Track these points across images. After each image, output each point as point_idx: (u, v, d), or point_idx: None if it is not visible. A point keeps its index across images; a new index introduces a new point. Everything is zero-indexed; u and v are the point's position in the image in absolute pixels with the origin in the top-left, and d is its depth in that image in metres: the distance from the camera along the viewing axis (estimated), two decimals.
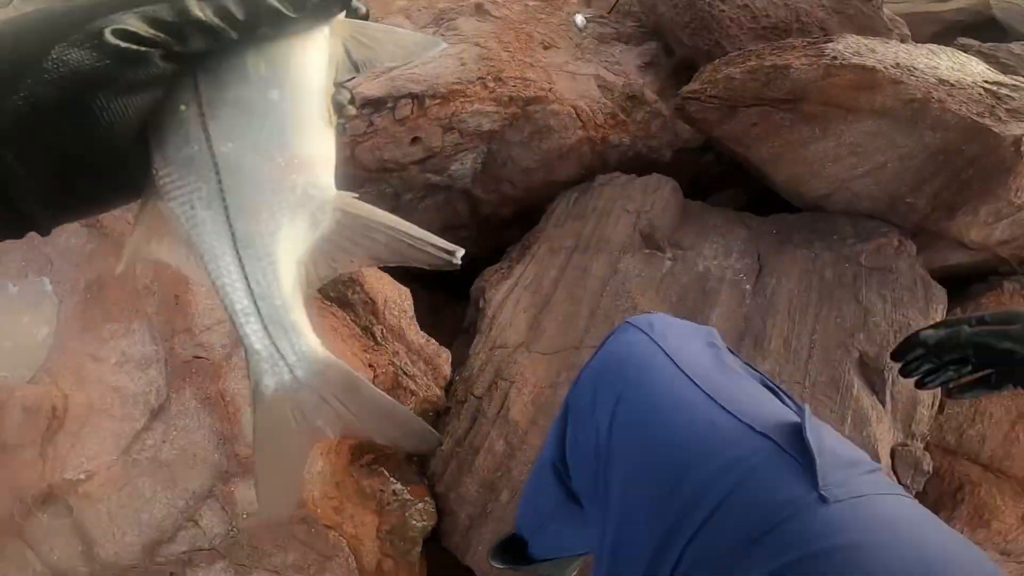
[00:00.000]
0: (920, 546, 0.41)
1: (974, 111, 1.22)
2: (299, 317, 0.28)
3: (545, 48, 1.77)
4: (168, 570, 0.99)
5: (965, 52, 1.71)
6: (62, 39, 0.22)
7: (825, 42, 1.42)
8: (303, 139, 0.27)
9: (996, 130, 1.20)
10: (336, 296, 1.24)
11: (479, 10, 1.79)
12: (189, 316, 1.10)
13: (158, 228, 0.27)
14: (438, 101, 1.37)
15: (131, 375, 1.05)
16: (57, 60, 0.22)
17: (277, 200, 0.27)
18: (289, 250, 0.27)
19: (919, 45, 1.48)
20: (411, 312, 1.30)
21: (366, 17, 0.30)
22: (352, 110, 0.30)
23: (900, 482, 1.12)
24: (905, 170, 1.33)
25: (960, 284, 1.42)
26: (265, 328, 0.27)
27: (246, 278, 0.27)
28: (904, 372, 0.60)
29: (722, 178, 1.90)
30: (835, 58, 1.31)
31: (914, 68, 1.27)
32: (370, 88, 1.40)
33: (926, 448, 1.18)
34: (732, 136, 1.48)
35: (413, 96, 1.38)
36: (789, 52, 1.45)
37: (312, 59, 0.27)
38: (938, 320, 0.84)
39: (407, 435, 0.32)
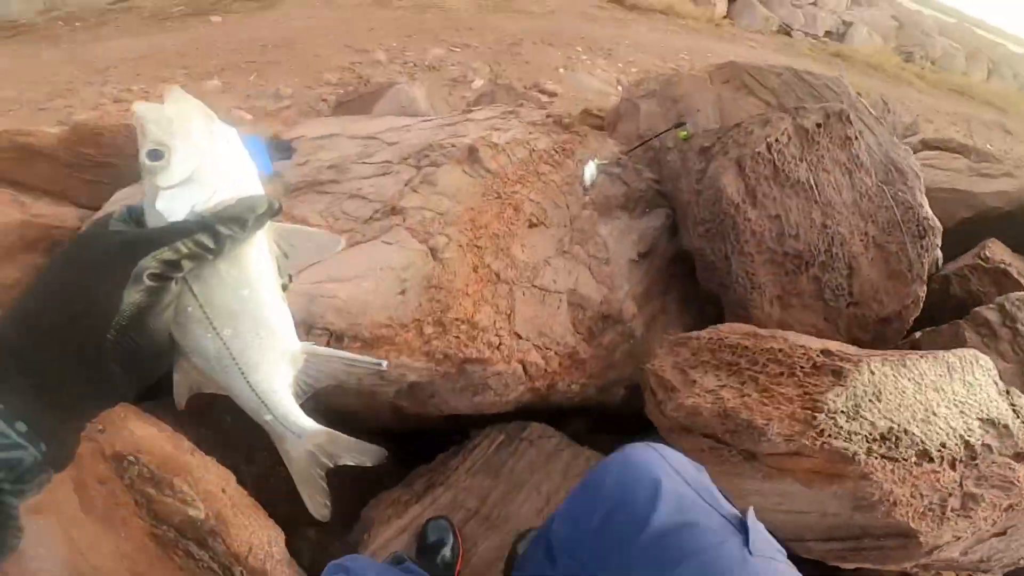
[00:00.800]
0: None
1: (919, 512, 1.05)
2: (296, 412, 0.45)
3: (531, 227, 1.47)
4: None
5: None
6: (120, 289, 0.34)
7: (829, 390, 1.17)
8: (272, 316, 0.42)
9: (922, 540, 1.05)
10: (195, 538, 1.21)
11: (471, 157, 1.43)
12: None
13: (194, 375, 0.42)
14: (358, 345, 1.16)
15: None
16: (128, 304, 0.34)
17: (268, 357, 0.42)
18: (282, 380, 0.43)
19: (939, 357, 1.22)
20: (281, 555, 1.28)
21: (280, 210, 0.41)
22: (291, 287, 0.44)
23: None
24: (822, 525, 1.21)
25: None
26: (278, 420, 0.44)
27: (263, 402, 0.43)
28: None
29: None
30: (820, 434, 1.10)
31: (899, 441, 1.07)
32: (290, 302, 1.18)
33: None
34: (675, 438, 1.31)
35: (330, 332, 1.16)
36: (777, 398, 1.21)
37: (262, 258, 0.41)
38: None
39: (367, 455, 0.49)
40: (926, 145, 3.94)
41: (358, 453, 0.49)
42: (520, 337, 1.34)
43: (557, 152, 1.64)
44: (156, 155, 0.38)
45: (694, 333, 1.35)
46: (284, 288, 0.44)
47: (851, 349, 1.31)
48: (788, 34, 10.02)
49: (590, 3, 7.78)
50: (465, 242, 1.24)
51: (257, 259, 0.41)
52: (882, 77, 8.76)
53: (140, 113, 0.38)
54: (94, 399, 0.37)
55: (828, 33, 10.85)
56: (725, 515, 0.70)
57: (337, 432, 0.47)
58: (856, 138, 1.49)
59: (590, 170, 1.74)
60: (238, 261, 0.40)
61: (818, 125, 1.45)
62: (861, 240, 1.44)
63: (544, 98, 4.61)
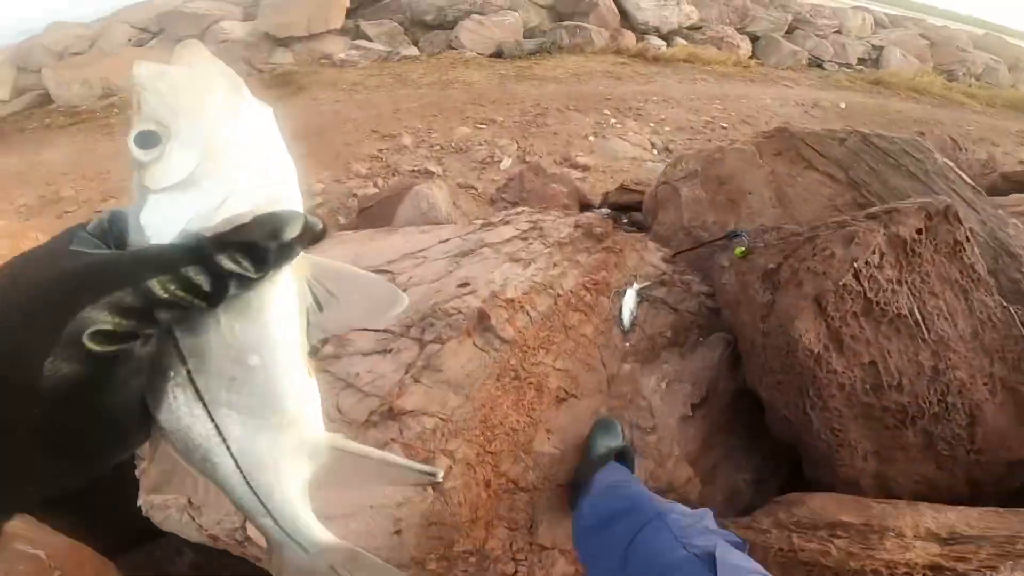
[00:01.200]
0: None
1: None
2: (310, 519, 0.34)
3: (559, 402, 1.20)
4: None
5: None
6: (45, 351, 0.22)
7: None
8: (289, 396, 0.30)
9: None
10: None
11: (482, 325, 1.20)
12: None
13: (173, 467, 0.30)
14: None
15: None
16: (51, 378, 0.22)
17: (279, 452, 0.31)
18: (294, 478, 0.32)
19: None
20: None
21: (324, 233, 0.28)
22: (324, 350, 0.45)
23: None
24: None
25: None
26: (282, 528, 0.33)
27: (264, 505, 0.32)
28: None
29: None
30: None
31: None
32: None
33: None
34: None
35: None
36: None
37: (285, 309, 0.28)
38: None
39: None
40: (1008, 180, 3.51)
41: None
42: (545, 548, 1.06)
43: (588, 290, 1.40)
44: (148, 140, 0.26)
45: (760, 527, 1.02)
46: (312, 354, 0.32)
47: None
48: (820, 67, 9.67)
49: (613, 61, 7.75)
50: (474, 456, 1.00)
51: (278, 310, 0.28)
52: (931, 101, 8.22)
53: (138, 77, 0.26)
54: None
55: (861, 60, 10.42)
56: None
57: (359, 549, 0.35)
58: (968, 240, 1.18)
59: (629, 305, 1.49)
60: (248, 311, 0.27)
61: (919, 232, 1.15)
62: (985, 384, 1.11)
63: (576, 174, 4.45)
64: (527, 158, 4.78)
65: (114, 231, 0.27)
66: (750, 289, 1.29)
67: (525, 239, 1.62)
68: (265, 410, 0.29)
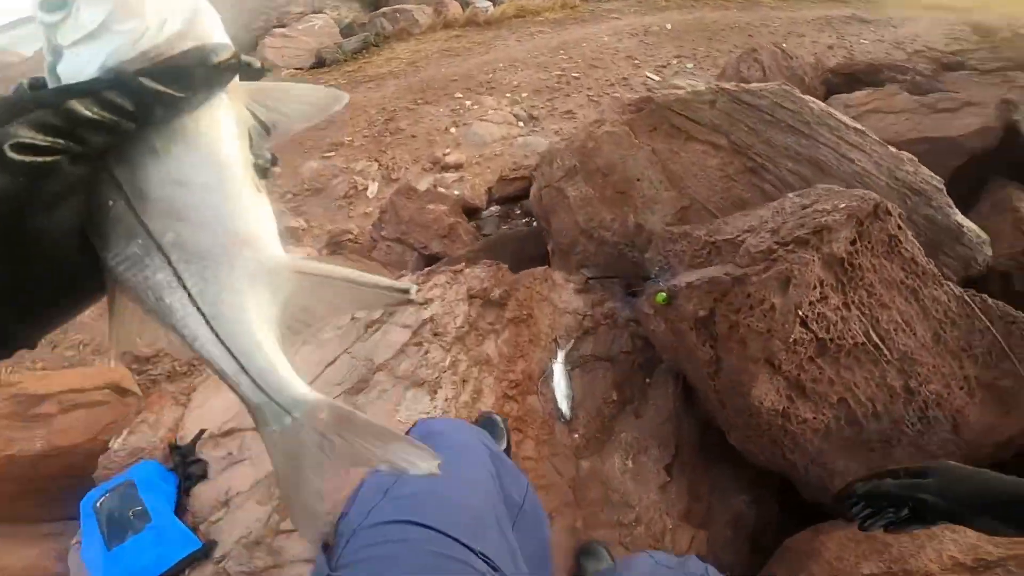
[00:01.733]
0: None
1: None
2: (285, 371, 0.29)
3: None
4: None
5: None
6: None
7: None
8: (238, 213, 0.28)
9: None
10: None
11: None
12: None
13: (133, 316, 0.28)
14: None
15: None
16: None
17: (234, 277, 0.28)
18: (260, 316, 0.29)
19: None
20: None
21: (261, 73, 0.30)
22: (277, 171, 0.31)
23: None
24: None
25: None
26: (257, 386, 0.29)
27: (228, 349, 0.28)
28: (847, 517, 0.67)
29: None
30: None
31: None
32: None
33: None
34: None
35: None
36: None
37: (220, 130, 0.28)
38: None
39: (402, 456, 0.31)
40: (839, 75, 3.69)
41: (385, 447, 0.29)
42: None
43: (511, 398, 1.17)
44: (53, 5, 0.25)
45: None
46: (263, 173, 0.30)
47: None
48: None
49: (446, 37, 7.32)
50: None
51: (217, 131, 0.27)
52: (736, 6, 8.52)
53: None
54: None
55: None
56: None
57: (348, 408, 0.30)
58: (900, 227, 1.06)
59: (560, 388, 1.28)
60: (185, 133, 0.27)
61: (853, 243, 1.02)
62: (961, 388, 1.02)
63: (451, 176, 4.13)
64: (392, 175, 4.38)
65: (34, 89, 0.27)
66: (687, 340, 1.12)
67: (420, 345, 1.35)
68: (216, 233, 0.27)
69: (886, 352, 1.00)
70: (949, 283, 1.06)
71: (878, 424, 1.00)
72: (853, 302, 1.00)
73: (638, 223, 1.95)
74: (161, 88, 0.25)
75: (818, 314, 0.97)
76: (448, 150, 4.62)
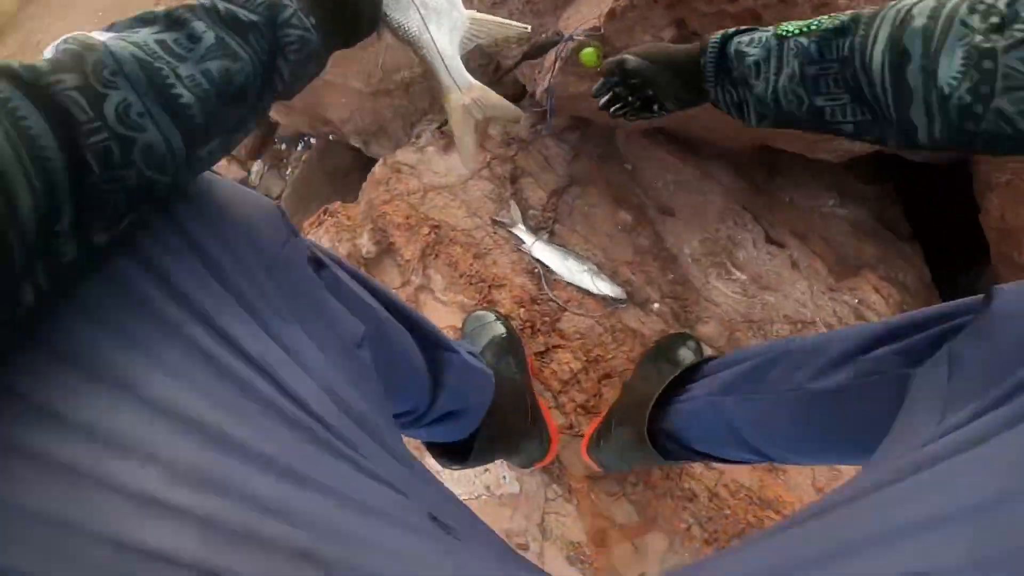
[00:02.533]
0: None
1: None
2: (462, 68, 0.56)
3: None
4: None
5: None
6: None
7: None
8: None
9: None
10: None
11: None
12: None
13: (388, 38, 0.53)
14: None
15: None
16: None
17: (447, 19, 0.54)
18: (454, 39, 0.55)
19: None
20: None
21: None
22: None
23: None
24: None
25: None
26: (450, 75, 0.55)
27: (439, 53, 0.54)
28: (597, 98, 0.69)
29: None
30: None
31: None
32: None
33: None
34: None
35: None
36: None
37: None
38: None
39: (509, 114, 0.59)
40: None
41: (502, 111, 0.58)
42: None
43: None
44: None
45: None
46: None
47: None
48: None
49: None
50: None
51: None
52: None
53: None
54: (355, 26, 0.47)
55: None
56: None
57: (490, 90, 0.57)
58: None
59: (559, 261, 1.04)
60: None
61: None
62: None
63: None
64: None
65: None
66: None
67: None
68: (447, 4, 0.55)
69: None
70: None
71: None
72: None
73: None
74: None
75: None
76: None
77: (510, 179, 1.12)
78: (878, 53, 0.42)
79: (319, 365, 0.40)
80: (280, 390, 0.35)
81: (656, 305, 1.07)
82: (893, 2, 0.42)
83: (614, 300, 1.04)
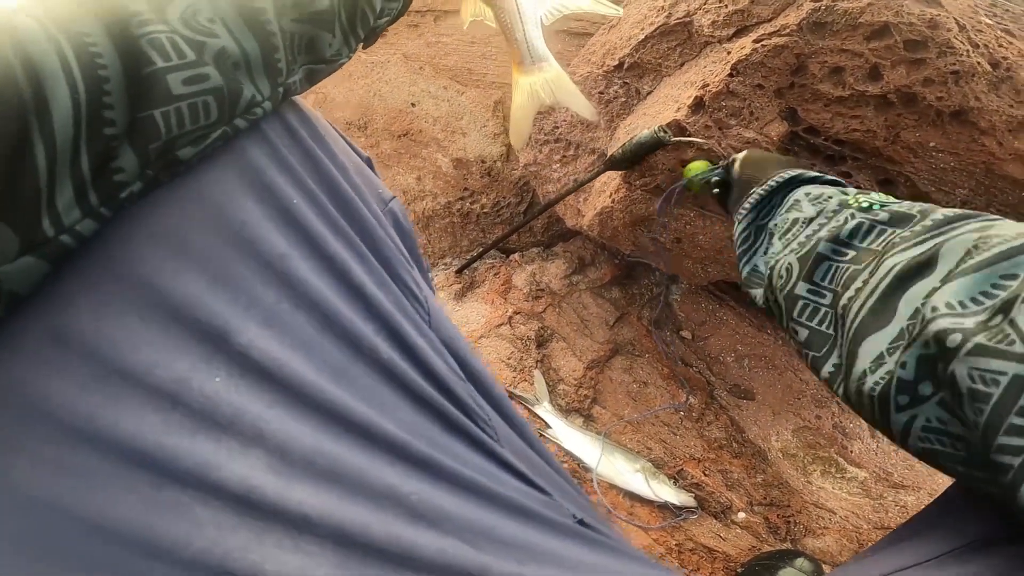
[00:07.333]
0: None
1: None
2: (541, 41, 0.53)
3: None
4: None
5: None
6: None
7: None
8: None
9: None
10: None
11: None
12: None
13: (476, 6, 0.53)
14: None
15: None
16: None
17: (534, 6, 0.53)
18: (536, 15, 0.53)
19: None
20: None
21: None
22: None
23: None
24: None
25: None
26: (527, 43, 0.52)
27: (523, 23, 0.51)
28: None
29: None
30: None
31: None
32: None
33: None
34: None
35: None
36: None
37: None
38: None
39: (583, 108, 0.58)
40: None
41: (575, 101, 0.55)
42: None
43: None
44: None
45: None
46: None
47: None
48: None
49: None
50: None
51: None
52: None
53: None
54: None
55: None
56: None
57: (565, 74, 0.54)
58: None
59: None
60: None
61: None
62: None
63: None
64: None
65: None
66: None
67: None
68: None
69: None
70: None
71: None
72: None
73: None
74: None
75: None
76: None
77: (536, 342, 0.88)
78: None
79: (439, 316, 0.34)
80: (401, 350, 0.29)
81: (742, 514, 0.75)
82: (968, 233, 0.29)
83: (680, 509, 0.73)
